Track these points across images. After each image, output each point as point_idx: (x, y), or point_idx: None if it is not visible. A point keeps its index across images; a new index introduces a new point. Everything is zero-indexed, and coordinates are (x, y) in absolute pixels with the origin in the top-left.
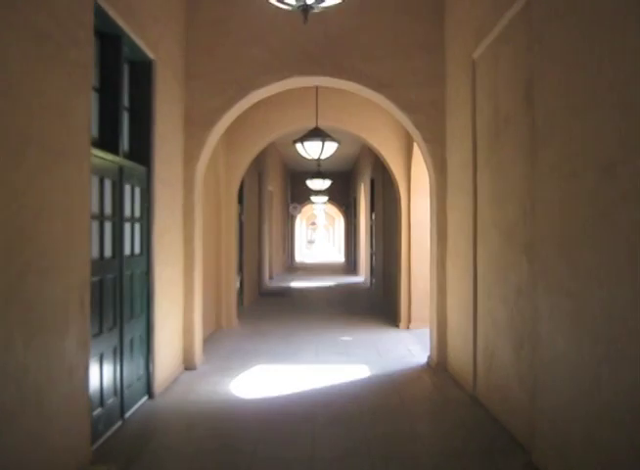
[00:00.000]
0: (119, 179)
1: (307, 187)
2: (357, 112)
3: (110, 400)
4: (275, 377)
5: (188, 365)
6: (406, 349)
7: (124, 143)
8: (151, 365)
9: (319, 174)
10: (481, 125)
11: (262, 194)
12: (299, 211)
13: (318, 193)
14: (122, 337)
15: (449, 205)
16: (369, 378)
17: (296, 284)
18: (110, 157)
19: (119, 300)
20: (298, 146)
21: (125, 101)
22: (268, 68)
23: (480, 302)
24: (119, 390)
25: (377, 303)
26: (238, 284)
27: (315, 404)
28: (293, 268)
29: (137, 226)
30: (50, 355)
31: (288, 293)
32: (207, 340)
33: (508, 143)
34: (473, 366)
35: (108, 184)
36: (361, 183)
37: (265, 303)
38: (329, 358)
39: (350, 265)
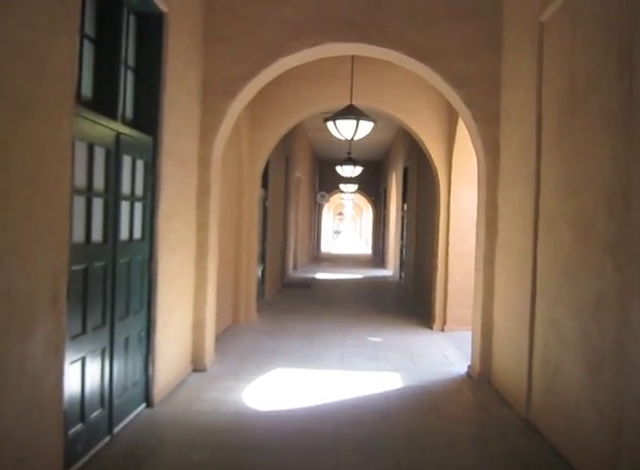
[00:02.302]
0: (116, 149)
1: (336, 175)
2: (395, 91)
3: (94, 414)
4: (295, 384)
5: (197, 366)
6: (442, 354)
7: (126, 108)
8: (150, 368)
9: (350, 161)
10: (550, 101)
11: (289, 180)
12: (327, 200)
13: (348, 181)
14: (114, 336)
15: (502, 195)
16: (402, 390)
17: (321, 275)
18: (104, 121)
19: (111, 293)
20: (330, 125)
21: (131, 59)
22: (299, 31)
23: (539, 309)
24: (108, 400)
25: (407, 299)
26: (259, 274)
27: (340, 423)
28: (318, 259)
29: (138, 206)
30: (3, 362)
31: (313, 285)
32: (222, 337)
33: (589, 119)
34: (527, 384)
35: (100, 153)
36: (392, 172)
37: (288, 295)
38: (356, 363)
39: (378, 258)
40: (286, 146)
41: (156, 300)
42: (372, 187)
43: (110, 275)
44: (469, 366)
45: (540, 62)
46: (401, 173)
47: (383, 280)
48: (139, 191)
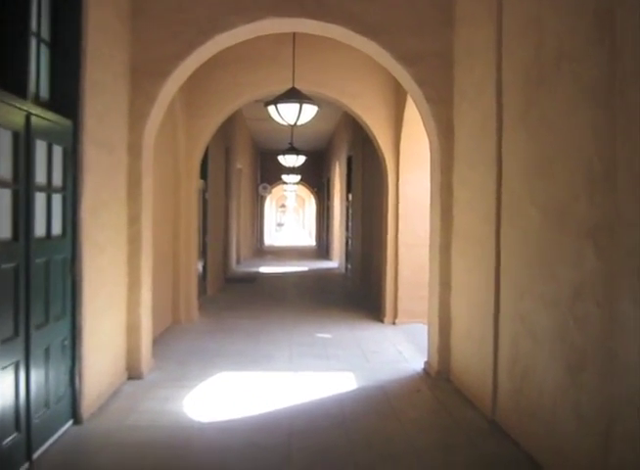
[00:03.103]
0: (27, 132)
1: (278, 166)
2: (339, 74)
3: (8, 440)
4: (241, 389)
5: (133, 373)
6: (396, 350)
7: (40, 87)
8: (77, 380)
9: (292, 150)
10: (512, 73)
11: (230, 171)
12: (269, 192)
13: (290, 171)
14: (29, 348)
15: (458, 178)
16: (357, 391)
17: (265, 269)
18: (9, 99)
19: (25, 298)
20: (272, 109)
21: (45, 32)
22: (236, 6)
23: (505, 302)
24: (25, 421)
25: (355, 292)
26: (200, 270)
27: (292, 433)
28: (262, 252)
29: (56, 198)
30: None
31: (257, 279)
32: (161, 339)
33: (561, 89)
34: (492, 383)
35: (5, 137)
36: (336, 162)
37: (232, 290)
38: (306, 363)
39: (322, 250)
40: (226, 136)
41: (81, 303)
42: (315, 178)
43: (23, 278)
44: (425, 363)
45: (499, 32)
46: (345, 163)
47: (328, 272)
48: (57, 181)
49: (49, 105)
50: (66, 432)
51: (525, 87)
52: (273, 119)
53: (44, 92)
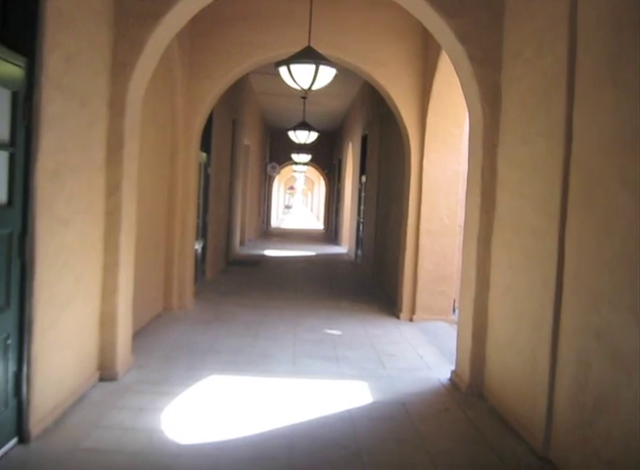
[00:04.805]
0: None
1: (288, 145)
2: (361, 37)
3: None
4: (232, 400)
5: (105, 374)
6: (416, 353)
7: None
8: (24, 388)
9: (304, 125)
10: (594, 19)
11: (236, 146)
12: (278, 172)
13: (301, 150)
14: None
15: (504, 157)
16: (372, 407)
17: (271, 252)
18: None
19: None
20: (283, 71)
21: None
22: None
23: (569, 310)
24: None
25: (367, 281)
26: (199, 251)
27: (293, 466)
28: (268, 234)
29: (1, 158)
30: None
31: (261, 262)
32: (147, 328)
33: None
34: (546, 408)
35: None
36: (349, 143)
37: (233, 274)
38: (312, 366)
39: (331, 234)
40: (233, 108)
41: (32, 291)
42: (325, 159)
43: None
44: (453, 372)
45: None
46: (359, 143)
47: (337, 258)
48: (1, 134)
49: None
50: (6, 453)
51: (617, 34)
52: (284, 84)
53: None
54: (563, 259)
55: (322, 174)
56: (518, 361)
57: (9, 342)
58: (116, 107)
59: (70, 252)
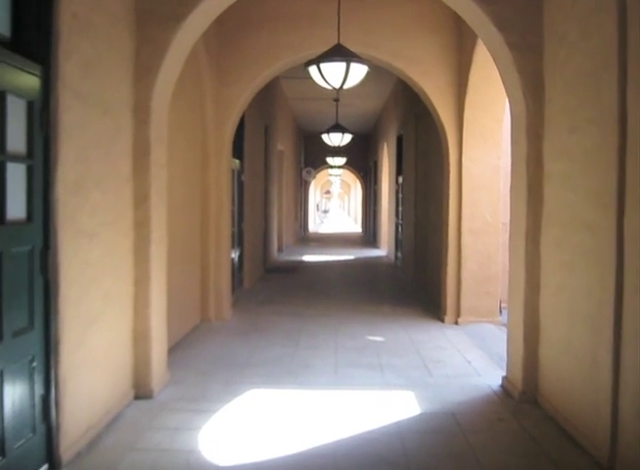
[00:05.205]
0: None
1: (322, 149)
2: (392, 34)
3: None
4: (272, 416)
5: (141, 392)
6: (464, 358)
7: None
8: (53, 411)
9: (338, 127)
10: None
11: (270, 152)
12: (314, 177)
13: (336, 153)
14: None
15: (550, 148)
16: (421, 419)
17: (309, 258)
18: None
19: None
20: (313, 70)
21: None
22: None
23: (633, 312)
24: None
25: (408, 284)
26: (236, 260)
27: None
28: (305, 239)
29: (17, 170)
30: None
31: (299, 268)
32: (185, 341)
33: None
34: (610, 418)
35: None
36: (383, 144)
37: (272, 282)
38: (355, 376)
39: (369, 237)
40: (265, 114)
41: (57, 309)
42: (361, 161)
43: None
44: (504, 378)
45: None
46: (394, 143)
47: (376, 261)
48: (18, 146)
49: (12, 45)
50: None
51: None
52: (315, 87)
53: (2, 26)
54: (622, 256)
55: (358, 177)
56: (575, 366)
57: (34, 364)
58: (141, 113)
59: (98, 266)
